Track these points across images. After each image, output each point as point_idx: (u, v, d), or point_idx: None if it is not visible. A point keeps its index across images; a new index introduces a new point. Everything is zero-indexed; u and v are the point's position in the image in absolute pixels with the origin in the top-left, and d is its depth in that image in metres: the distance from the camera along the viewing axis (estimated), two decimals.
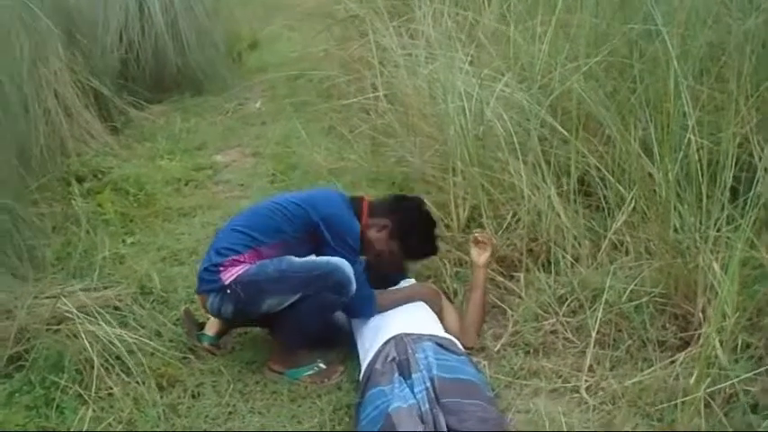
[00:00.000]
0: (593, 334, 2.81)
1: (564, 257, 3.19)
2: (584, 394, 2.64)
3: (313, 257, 2.82)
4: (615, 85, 3.38)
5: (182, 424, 2.67)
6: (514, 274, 3.29)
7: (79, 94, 5.17)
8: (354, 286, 2.75)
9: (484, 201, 3.41)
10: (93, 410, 2.68)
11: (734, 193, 2.79)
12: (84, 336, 2.86)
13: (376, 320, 2.86)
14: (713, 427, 2.32)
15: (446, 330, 2.84)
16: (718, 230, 2.73)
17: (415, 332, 2.67)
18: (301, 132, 4.91)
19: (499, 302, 3.19)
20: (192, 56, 6.39)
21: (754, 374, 2.39)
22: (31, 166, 4.37)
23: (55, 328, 2.95)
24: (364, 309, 2.89)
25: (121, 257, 3.68)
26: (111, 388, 2.76)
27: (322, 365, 2.88)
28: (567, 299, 3.05)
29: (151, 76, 6.26)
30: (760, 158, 2.78)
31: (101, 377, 2.78)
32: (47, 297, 3.13)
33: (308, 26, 6.73)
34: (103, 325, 2.91)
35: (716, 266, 2.59)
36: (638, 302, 2.84)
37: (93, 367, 2.78)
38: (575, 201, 3.27)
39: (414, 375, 2.44)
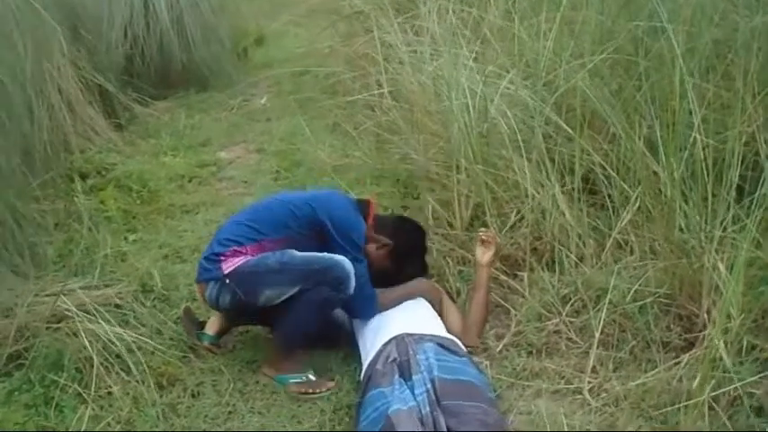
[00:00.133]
0: (597, 334, 2.78)
1: (568, 257, 3.15)
2: (587, 396, 2.61)
3: (315, 253, 2.80)
4: (620, 83, 3.34)
5: (181, 424, 2.66)
6: (518, 273, 3.26)
7: (83, 91, 5.15)
8: (353, 283, 2.73)
9: (488, 199, 3.38)
10: (93, 409, 2.66)
11: (740, 192, 2.75)
12: (83, 334, 2.84)
13: (377, 320, 2.84)
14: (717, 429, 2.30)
15: (448, 330, 2.82)
16: (724, 230, 2.69)
17: (417, 332, 2.65)
18: (306, 129, 4.89)
19: (502, 302, 3.17)
20: (198, 52, 6.37)
21: (760, 377, 2.35)
22: (35, 162, 4.36)
23: (55, 326, 2.94)
24: (366, 309, 2.87)
25: (123, 255, 3.66)
26: (111, 387, 2.75)
27: (312, 377, 2.80)
28: (570, 299, 3.02)
29: (156, 72, 6.23)
30: (767, 157, 2.75)
31: (100, 376, 2.76)
32: (47, 295, 3.12)
33: (314, 22, 6.70)
34: (103, 323, 2.89)
35: (721, 267, 2.55)
36: (642, 303, 2.81)
37: (92, 366, 2.76)
38: (579, 199, 3.23)
39: (414, 377, 2.42)
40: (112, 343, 2.84)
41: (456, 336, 2.79)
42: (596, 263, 3.11)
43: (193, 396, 2.79)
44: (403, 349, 2.55)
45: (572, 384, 2.68)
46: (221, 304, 2.86)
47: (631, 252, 3.06)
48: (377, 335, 2.72)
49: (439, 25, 4.08)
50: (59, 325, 2.94)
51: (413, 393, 2.36)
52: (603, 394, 2.60)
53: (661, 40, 3.00)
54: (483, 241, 3.03)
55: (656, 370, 2.60)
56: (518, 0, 3.98)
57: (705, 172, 2.72)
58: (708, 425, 2.30)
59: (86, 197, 4.22)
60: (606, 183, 3.24)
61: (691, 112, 2.76)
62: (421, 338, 2.60)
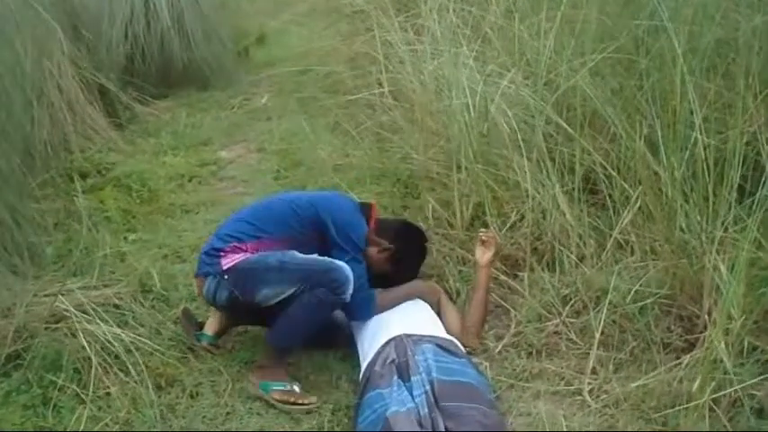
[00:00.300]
0: (597, 335, 2.77)
1: (568, 257, 3.14)
2: (587, 397, 2.60)
3: (316, 256, 2.80)
4: (621, 82, 3.33)
5: (179, 424, 2.65)
6: (518, 273, 3.25)
7: (84, 90, 5.14)
8: (351, 288, 2.71)
9: (488, 198, 3.37)
10: (91, 410, 2.65)
11: (741, 192, 2.73)
12: (82, 335, 2.84)
13: (376, 321, 2.82)
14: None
15: (447, 330, 2.81)
16: (726, 231, 2.67)
17: (416, 333, 2.64)
18: (306, 129, 4.87)
19: (502, 302, 3.16)
20: (198, 51, 6.32)
21: (761, 379, 2.34)
22: (34, 161, 4.36)
23: (54, 326, 2.93)
24: (363, 310, 2.86)
25: (122, 255, 3.64)
26: (109, 387, 2.73)
27: (296, 388, 2.73)
28: (570, 299, 3.01)
29: (157, 71, 6.20)
30: None
31: (98, 376, 2.75)
32: (46, 295, 3.11)
33: (315, 21, 6.70)
34: (102, 324, 2.89)
35: (722, 267, 2.54)
36: (642, 303, 2.80)
37: (91, 367, 2.76)
38: (579, 199, 3.22)
39: (413, 378, 2.41)
40: (111, 343, 2.83)
41: (455, 336, 2.77)
42: (597, 263, 3.09)
43: (192, 397, 2.77)
44: (401, 350, 2.54)
45: (572, 386, 2.67)
46: (218, 300, 2.86)
47: (632, 252, 3.04)
48: (375, 336, 2.71)
49: (439, 24, 4.06)
50: (58, 325, 2.93)
51: (411, 395, 2.35)
52: (603, 396, 2.58)
53: (662, 39, 2.98)
54: (483, 242, 3.02)
55: (657, 371, 2.58)
56: None
57: (706, 172, 2.70)
58: (708, 426, 2.28)
59: (86, 197, 4.20)
60: (607, 182, 3.22)
61: (692, 112, 2.75)
62: (420, 339, 2.59)
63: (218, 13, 6.65)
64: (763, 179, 2.58)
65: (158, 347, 2.93)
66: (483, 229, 3.15)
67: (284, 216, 2.90)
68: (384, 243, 2.99)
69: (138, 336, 2.95)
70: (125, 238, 3.91)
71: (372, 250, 2.97)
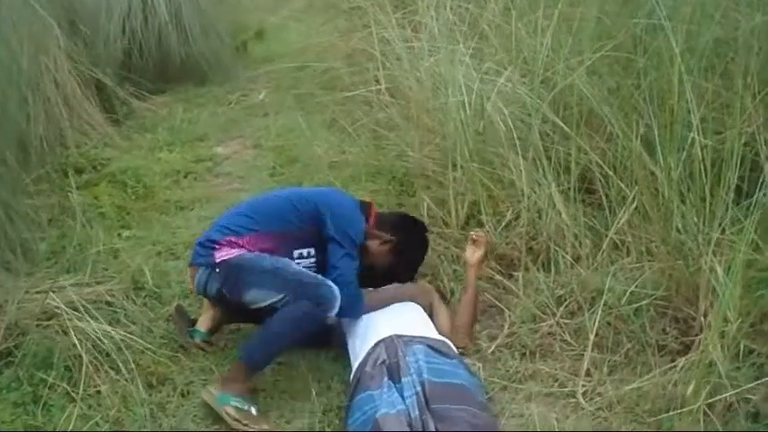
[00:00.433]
0: (592, 337, 2.74)
1: (564, 257, 3.11)
2: (581, 399, 2.57)
3: (309, 271, 2.80)
4: (618, 81, 3.30)
5: (169, 424, 2.63)
6: (513, 273, 3.22)
7: (80, 85, 5.11)
8: (336, 308, 2.68)
9: (483, 197, 3.35)
10: (81, 408, 2.63)
11: (738, 193, 2.71)
12: (73, 332, 2.82)
13: (367, 321, 2.79)
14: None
15: (438, 331, 2.78)
16: (723, 232, 2.65)
17: (407, 334, 2.61)
18: (303, 125, 4.85)
19: (497, 302, 3.13)
20: (196, 46, 6.30)
21: (757, 384, 2.31)
22: (30, 157, 4.33)
23: (45, 323, 2.92)
24: (352, 308, 2.82)
25: (116, 252, 3.62)
26: (100, 386, 2.71)
27: (254, 411, 2.58)
28: (565, 300, 2.98)
29: (154, 66, 6.18)
30: (767, 158, 2.70)
31: (89, 374, 2.73)
32: (38, 292, 3.10)
33: (313, 17, 6.67)
34: (93, 322, 2.87)
35: (719, 269, 2.51)
36: (638, 305, 2.76)
37: (81, 364, 2.74)
38: (575, 199, 3.19)
39: (404, 379, 2.38)
40: (102, 341, 2.81)
41: (446, 336, 2.75)
42: (592, 263, 3.06)
43: (183, 395, 2.75)
44: (392, 351, 2.51)
45: (565, 387, 2.65)
46: (208, 292, 2.86)
47: (628, 253, 3.01)
48: (367, 336, 2.68)
49: (437, 21, 4.04)
50: (50, 322, 2.92)
51: (402, 396, 2.33)
52: (597, 398, 2.56)
53: (660, 38, 2.96)
54: (473, 241, 3.02)
55: (652, 374, 2.56)
56: None
57: (703, 172, 2.68)
58: (703, 426, 2.26)
59: (80, 193, 4.18)
60: (603, 182, 3.19)
61: (689, 112, 2.72)
62: (411, 340, 2.56)
63: (217, 8, 6.64)
64: (761, 180, 2.56)
65: (150, 345, 2.91)
66: (474, 229, 3.15)
67: (283, 210, 2.89)
68: (385, 235, 2.98)
69: (130, 333, 2.93)
70: (119, 234, 3.89)
71: (373, 244, 2.96)
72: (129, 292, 3.23)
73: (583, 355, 2.73)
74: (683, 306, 2.72)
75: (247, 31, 7.41)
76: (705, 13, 3.00)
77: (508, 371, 2.77)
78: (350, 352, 2.77)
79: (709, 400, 2.27)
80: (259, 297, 2.74)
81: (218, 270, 2.79)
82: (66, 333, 2.84)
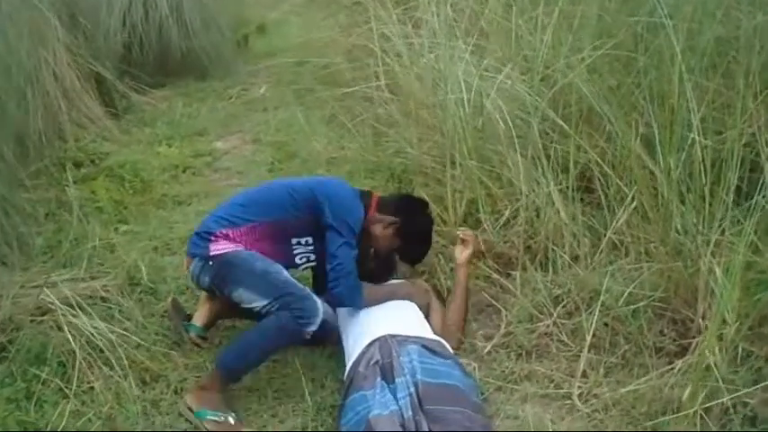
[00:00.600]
0: (589, 338, 2.72)
1: (561, 257, 3.09)
2: (576, 401, 2.55)
3: (300, 285, 2.76)
4: (619, 80, 3.27)
5: (162, 421, 2.62)
6: (511, 272, 3.19)
7: (80, 78, 5.09)
8: (316, 324, 2.65)
9: (482, 195, 3.32)
10: (74, 405, 2.62)
11: (739, 194, 2.68)
12: (67, 328, 2.80)
13: (362, 320, 2.77)
14: None
15: (433, 330, 2.76)
16: (722, 233, 2.62)
17: (401, 334, 2.59)
18: (302, 120, 4.83)
19: (494, 301, 3.11)
20: (197, 40, 6.28)
21: (755, 389, 2.29)
22: (28, 150, 4.31)
23: (39, 319, 2.90)
24: (352, 299, 2.80)
25: (112, 246, 3.60)
26: (93, 382, 2.70)
27: (231, 420, 2.58)
28: (563, 300, 2.95)
29: (154, 60, 6.16)
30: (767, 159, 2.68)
31: (83, 371, 2.72)
32: (33, 287, 3.08)
33: (314, 12, 6.64)
34: (85, 317, 2.85)
35: (718, 271, 2.48)
36: (635, 306, 2.73)
37: (75, 360, 2.72)
38: (574, 198, 3.16)
39: (397, 380, 2.36)
40: (96, 337, 2.80)
41: (439, 335, 2.73)
42: (590, 263, 3.03)
43: (176, 392, 2.74)
44: (386, 351, 2.49)
45: (561, 389, 2.63)
46: (201, 283, 2.87)
47: (626, 253, 2.98)
48: (361, 335, 2.66)
49: (437, 17, 4.00)
50: (44, 318, 2.90)
51: (395, 397, 2.30)
52: (593, 400, 2.54)
53: (661, 36, 2.92)
54: (462, 240, 3.01)
55: (648, 376, 2.53)
56: None
57: (703, 173, 2.65)
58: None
59: (78, 187, 4.16)
60: (602, 181, 3.16)
61: (690, 111, 2.69)
62: (405, 340, 2.54)
63: (218, 2, 6.60)
64: (761, 181, 2.53)
65: (144, 342, 2.90)
66: (461, 228, 3.15)
67: (280, 200, 2.88)
68: (387, 218, 2.95)
69: (124, 330, 2.93)
70: (116, 229, 3.88)
71: (378, 228, 2.95)
72: (124, 288, 3.21)
73: (579, 355, 2.71)
74: (681, 308, 2.70)
75: (248, 26, 7.38)
76: (706, 12, 2.96)
77: (504, 371, 2.75)
78: (345, 349, 2.75)
79: (707, 405, 2.25)
80: (245, 298, 2.73)
81: (210, 263, 2.79)
82: (60, 329, 2.83)
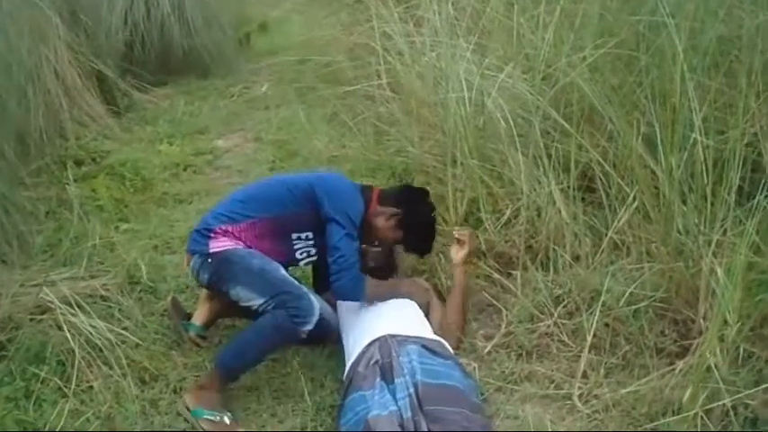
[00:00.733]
0: (589, 338, 2.71)
1: (562, 256, 3.08)
2: (577, 402, 2.54)
3: (298, 283, 2.76)
4: (620, 79, 3.25)
5: (161, 421, 2.61)
6: (512, 271, 3.18)
7: (81, 76, 5.08)
8: (311, 324, 2.64)
9: (483, 194, 3.31)
10: (73, 404, 2.61)
11: (741, 194, 2.67)
12: (66, 327, 2.79)
13: (362, 318, 2.76)
14: None
15: (433, 330, 2.74)
16: (724, 233, 2.61)
17: (401, 333, 2.58)
18: (303, 119, 4.82)
19: (494, 301, 3.10)
20: (199, 38, 6.27)
21: (756, 390, 2.28)
22: (29, 148, 4.31)
23: (39, 317, 2.89)
24: (355, 292, 2.79)
25: (112, 245, 3.60)
26: (92, 381, 2.69)
27: (227, 420, 2.58)
28: (563, 300, 2.94)
29: (156, 58, 6.15)
30: None
31: (82, 370, 2.71)
32: (33, 285, 3.07)
33: (316, 10, 6.63)
34: (84, 316, 2.84)
35: (719, 271, 2.47)
36: (636, 306, 2.73)
37: (74, 359, 2.71)
38: (575, 197, 3.15)
39: (396, 380, 2.35)
40: (95, 336, 2.79)
41: (439, 335, 2.72)
42: (591, 263, 3.02)
43: (175, 392, 2.73)
44: (386, 351, 2.48)
45: (561, 389, 2.62)
46: (200, 280, 2.87)
47: (628, 253, 2.97)
48: (361, 335, 2.65)
49: (439, 16, 3.99)
50: (43, 317, 2.90)
51: (394, 397, 2.30)
52: (593, 401, 2.53)
53: (663, 35, 2.91)
54: (458, 240, 3.00)
55: (649, 377, 2.53)
56: None
57: (705, 173, 2.64)
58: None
59: (78, 185, 4.16)
60: (604, 181, 3.15)
61: (692, 111, 2.68)
62: (405, 340, 2.53)
63: (219, 1, 6.59)
64: (763, 181, 2.51)
65: (143, 341, 2.90)
66: (458, 227, 3.14)
67: (279, 196, 2.88)
68: (389, 210, 2.94)
69: (124, 329, 2.92)
70: (116, 227, 3.87)
71: (380, 220, 2.93)
72: (123, 287, 3.21)
73: (580, 356, 2.70)
74: (682, 308, 2.69)
75: (250, 24, 7.38)
76: (709, 11, 2.95)
77: (504, 372, 2.74)
78: (344, 349, 2.74)
79: (707, 406, 2.24)
80: (242, 295, 2.73)
81: (210, 260, 2.79)
82: (59, 328, 2.82)
